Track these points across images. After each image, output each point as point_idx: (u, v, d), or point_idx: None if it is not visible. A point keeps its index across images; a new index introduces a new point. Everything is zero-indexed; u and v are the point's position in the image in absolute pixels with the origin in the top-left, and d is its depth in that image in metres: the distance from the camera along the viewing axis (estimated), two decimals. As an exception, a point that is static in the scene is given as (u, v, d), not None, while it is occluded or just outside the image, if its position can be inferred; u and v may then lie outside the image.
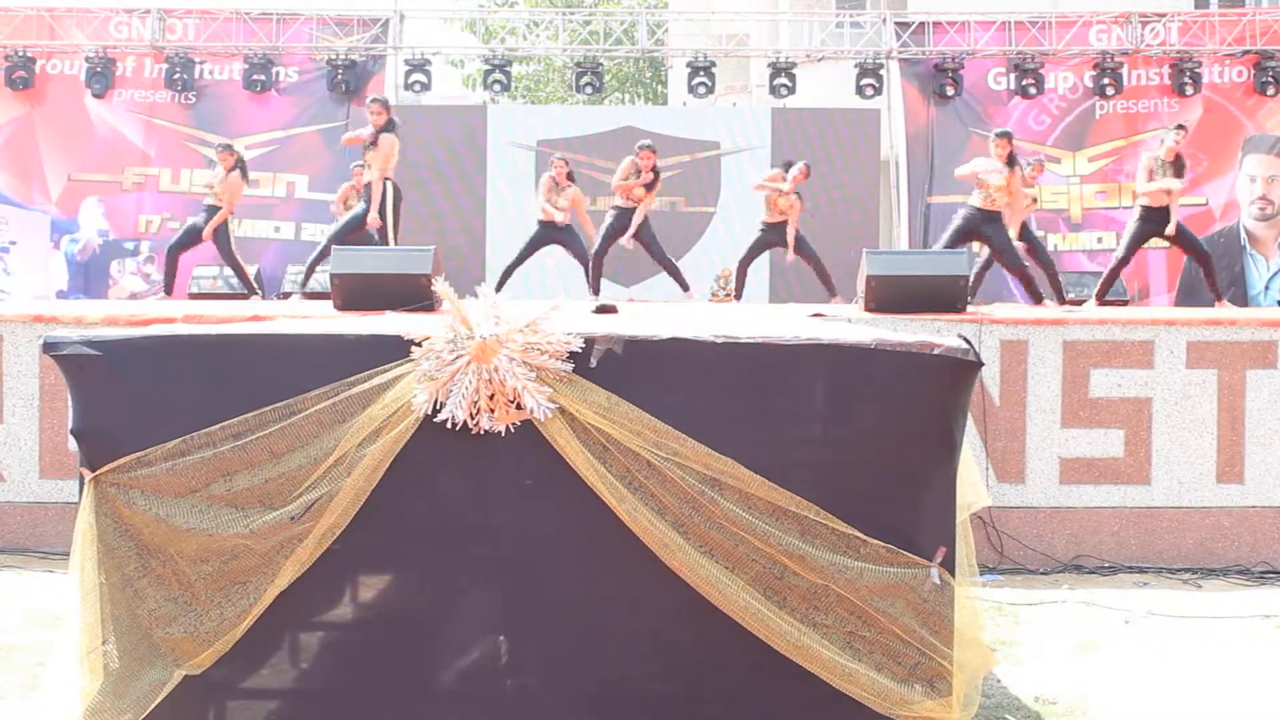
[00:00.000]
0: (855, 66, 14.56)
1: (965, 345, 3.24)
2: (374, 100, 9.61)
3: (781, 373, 3.27)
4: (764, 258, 11.56)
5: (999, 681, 4.70)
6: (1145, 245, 9.77)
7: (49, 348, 3.37)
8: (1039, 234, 11.37)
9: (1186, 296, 13.35)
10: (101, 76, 14.07)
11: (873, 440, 3.27)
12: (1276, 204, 14.34)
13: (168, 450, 3.26)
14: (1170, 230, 9.01)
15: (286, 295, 11.96)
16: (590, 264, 10.20)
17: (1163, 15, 14.45)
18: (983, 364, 3.31)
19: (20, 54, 13.98)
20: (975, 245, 9.64)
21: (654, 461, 3.17)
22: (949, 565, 3.26)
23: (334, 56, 14.27)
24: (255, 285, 10.87)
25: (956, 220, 9.04)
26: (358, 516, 3.24)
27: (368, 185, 9.45)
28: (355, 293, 7.11)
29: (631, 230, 10.14)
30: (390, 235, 9.40)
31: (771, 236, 10.68)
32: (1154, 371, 6.92)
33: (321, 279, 9.80)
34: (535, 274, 11.45)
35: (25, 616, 5.41)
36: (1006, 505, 6.77)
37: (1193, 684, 4.81)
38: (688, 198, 14.56)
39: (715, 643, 3.23)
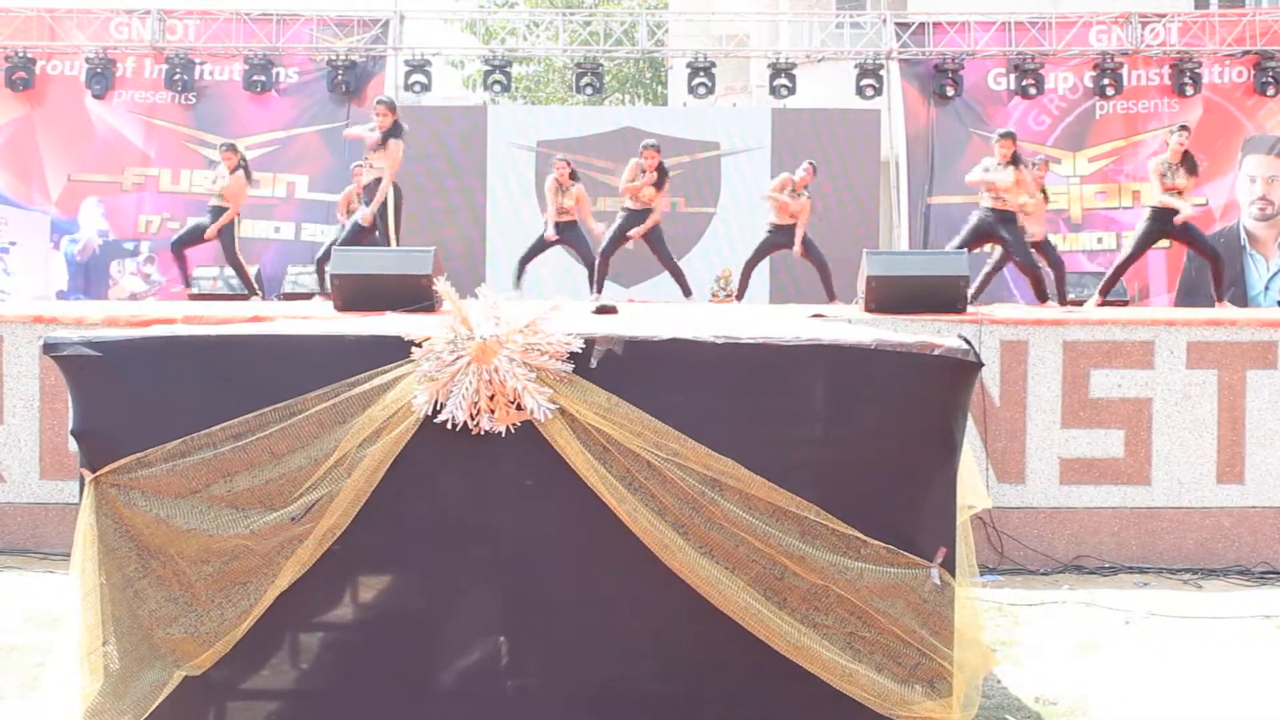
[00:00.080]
0: (855, 67, 14.53)
1: (965, 346, 3.25)
2: (380, 101, 9.58)
3: (782, 373, 3.28)
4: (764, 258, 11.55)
5: (999, 682, 4.70)
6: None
7: (49, 348, 3.37)
8: (1041, 234, 11.34)
9: (1186, 297, 13.36)
10: (102, 77, 14.05)
11: (873, 441, 3.28)
12: (1276, 204, 14.33)
13: (168, 451, 3.26)
14: (1181, 219, 8.81)
15: (288, 296, 11.96)
16: (596, 263, 10.18)
17: (1163, 16, 14.44)
18: (983, 364, 3.31)
19: (20, 55, 13.97)
20: (986, 245, 9.63)
21: (654, 462, 3.17)
22: (949, 566, 3.26)
23: (334, 57, 14.26)
24: (256, 286, 10.87)
25: (971, 222, 9.01)
26: (358, 517, 3.24)
27: (368, 186, 9.40)
28: (356, 293, 7.11)
29: (645, 227, 10.09)
30: (391, 236, 9.38)
31: (779, 238, 10.66)
32: (1154, 372, 6.92)
33: (308, 280, 9.76)
34: (535, 274, 11.44)
35: (25, 617, 5.41)
36: (1006, 506, 6.77)
37: (1193, 684, 4.81)
38: (688, 198, 14.56)
39: (715, 643, 3.23)
